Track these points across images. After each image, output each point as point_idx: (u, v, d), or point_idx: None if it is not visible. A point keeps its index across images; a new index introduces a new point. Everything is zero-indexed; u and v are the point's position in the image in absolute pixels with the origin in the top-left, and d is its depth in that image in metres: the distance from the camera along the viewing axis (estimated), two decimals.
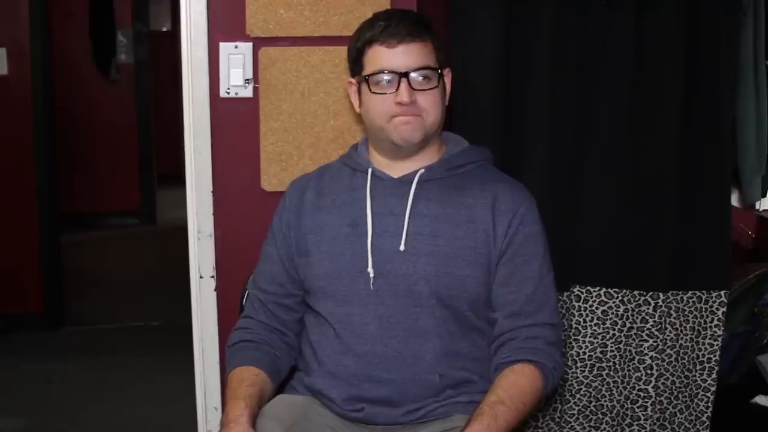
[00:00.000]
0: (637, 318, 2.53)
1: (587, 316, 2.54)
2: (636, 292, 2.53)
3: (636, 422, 2.57)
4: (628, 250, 2.52)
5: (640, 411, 2.56)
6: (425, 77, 2.00)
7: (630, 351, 2.56)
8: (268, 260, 2.15)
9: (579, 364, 2.56)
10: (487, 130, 2.45)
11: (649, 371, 2.55)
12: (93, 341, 5.25)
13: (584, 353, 2.55)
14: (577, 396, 2.58)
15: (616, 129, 2.48)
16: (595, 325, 2.54)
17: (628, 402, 2.57)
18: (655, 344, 2.54)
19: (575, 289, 2.54)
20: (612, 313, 2.54)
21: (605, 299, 2.53)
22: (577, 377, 2.57)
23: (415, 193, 2.03)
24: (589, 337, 2.55)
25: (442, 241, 2.00)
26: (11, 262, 5.43)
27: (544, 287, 2.05)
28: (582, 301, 2.53)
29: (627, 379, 2.56)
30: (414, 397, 2.00)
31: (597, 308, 2.54)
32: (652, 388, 2.56)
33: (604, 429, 2.60)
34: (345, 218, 2.05)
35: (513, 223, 2.03)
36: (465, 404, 2.00)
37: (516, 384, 1.95)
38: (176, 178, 7.74)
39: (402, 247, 2.00)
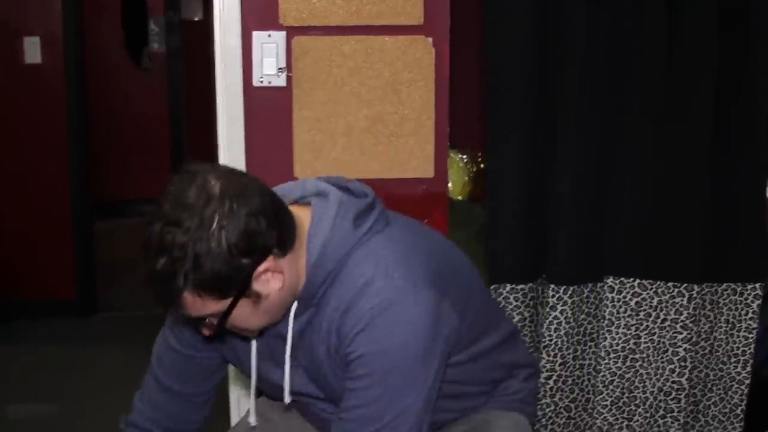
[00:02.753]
0: (671, 310, 2.51)
1: (620, 307, 2.52)
2: (670, 284, 2.51)
3: (669, 414, 2.55)
4: (662, 241, 2.50)
5: (674, 403, 2.55)
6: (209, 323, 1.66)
7: (664, 343, 2.54)
8: None
9: (612, 356, 2.54)
10: (518, 120, 2.42)
11: (682, 363, 2.53)
12: (124, 328, 5.29)
13: (617, 345, 2.53)
14: (610, 387, 2.56)
15: (650, 119, 2.46)
16: (628, 316, 2.53)
17: (662, 394, 2.55)
18: (689, 336, 2.52)
19: (608, 281, 2.52)
20: (646, 305, 2.52)
21: (639, 290, 2.51)
22: (610, 368, 2.55)
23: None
24: (623, 328, 2.53)
25: None
26: (44, 250, 5.47)
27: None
28: (615, 292, 2.52)
29: (660, 371, 2.54)
30: None
31: (630, 300, 2.52)
32: (686, 380, 2.54)
33: (637, 420, 2.58)
34: None
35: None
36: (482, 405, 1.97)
37: None
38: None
39: None
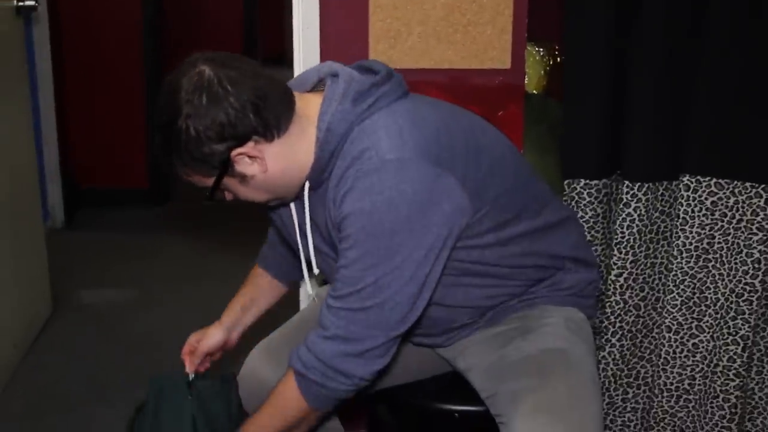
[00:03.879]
0: (747, 210, 2.47)
1: (695, 206, 2.48)
2: (748, 184, 2.46)
3: (740, 316, 2.53)
4: (741, 140, 2.44)
5: (745, 305, 2.52)
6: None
7: (738, 244, 2.50)
8: None
9: (684, 255, 2.52)
10: (598, 12, 2.35)
11: (756, 265, 2.50)
12: (196, 217, 5.38)
13: (690, 244, 2.51)
14: (681, 287, 2.54)
15: (733, 15, 2.38)
16: (703, 215, 2.49)
17: (733, 295, 2.53)
18: (764, 238, 2.48)
19: (684, 179, 2.48)
20: (722, 205, 2.48)
21: (715, 190, 2.47)
22: (682, 268, 2.53)
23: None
24: (697, 227, 2.50)
25: None
26: (118, 140, 5.56)
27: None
28: (691, 190, 2.48)
29: (733, 272, 2.51)
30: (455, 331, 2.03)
31: (706, 199, 2.48)
32: (759, 282, 2.51)
33: (707, 321, 2.57)
34: None
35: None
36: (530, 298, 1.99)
37: (275, 393, 1.86)
38: (280, 62, 7.77)
39: None
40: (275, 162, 1.74)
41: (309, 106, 1.77)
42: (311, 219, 1.86)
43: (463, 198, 1.70)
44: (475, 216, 1.76)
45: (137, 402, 2.26)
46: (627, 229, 2.48)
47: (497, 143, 1.90)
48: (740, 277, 2.51)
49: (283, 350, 1.97)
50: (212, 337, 2.24)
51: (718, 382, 2.59)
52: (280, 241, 2.19)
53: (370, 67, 1.83)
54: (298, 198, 1.87)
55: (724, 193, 2.47)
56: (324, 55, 2.49)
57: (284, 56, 7.14)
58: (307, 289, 2.04)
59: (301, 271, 2.00)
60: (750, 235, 2.48)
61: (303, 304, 2.59)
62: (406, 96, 1.82)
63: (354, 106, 1.73)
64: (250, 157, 1.72)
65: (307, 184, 1.81)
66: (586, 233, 2.46)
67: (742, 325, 2.53)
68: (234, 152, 1.70)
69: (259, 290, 2.30)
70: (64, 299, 4.16)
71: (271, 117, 1.70)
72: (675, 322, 2.58)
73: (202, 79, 1.66)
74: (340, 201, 1.68)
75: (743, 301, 2.52)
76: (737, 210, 2.48)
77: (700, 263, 2.52)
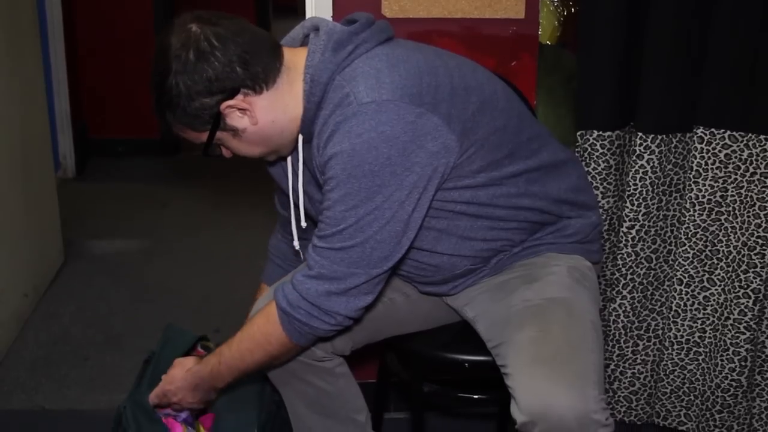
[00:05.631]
0: (761, 163, 2.45)
1: (709, 159, 2.47)
2: (762, 137, 2.43)
3: (752, 269, 2.52)
4: (756, 93, 2.41)
5: (757, 258, 2.51)
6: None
7: (751, 197, 2.49)
8: None
9: (697, 208, 2.50)
10: None
11: None
12: (207, 168, 5.38)
13: (703, 197, 2.49)
14: (693, 240, 2.54)
15: None
16: (716, 168, 2.47)
17: (746, 248, 2.52)
18: None
19: (698, 131, 2.46)
20: (735, 157, 2.46)
21: (729, 142, 2.45)
22: (694, 221, 2.52)
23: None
24: (710, 180, 2.48)
25: None
26: (129, 90, 5.54)
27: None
28: (705, 143, 2.46)
29: (746, 225, 2.50)
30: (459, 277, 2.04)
31: (720, 151, 2.46)
32: None
33: (718, 274, 2.56)
34: None
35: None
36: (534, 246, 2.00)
37: (254, 325, 1.92)
38: (291, 10, 7.72)
39: None
40: (265, 114, 1.79)
41: (296, 60, 1.81)
42: (309, 171, 1.90)
43: (449, 137, 1.73)
44: (464, 155, 1.78)
45: (147, 353, 2.28)
46: (640, 181, 2.47)
47: (488, 83, 1.91)
48: (753, 230, 2.50)
49: None
50: None
51: (729, 335, 2.59)
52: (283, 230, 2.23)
53: (353, 18, 1.87)
54: (295, 152, 1.91)
55: (738, 146, 2.45)
56: (336, 5, 2.46)
57: (296, 5, 7.10)
58: (294, 244, 2.06)
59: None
60: (763, 189, 2.46)
61: None
62: (389, 42, 1.85)
63: (334, 55, 1.77)
64: (240, 110, 1.78)
65: (300, 138, 1.86)
66: (588, 177, 2.44)
67: (754, 278, 2.53)
68: (223, 105, 1.76)
69: None
70: (76, 249, 4.18)
71: (259, 70, 1.75)
72: (686, 275, 2.57)
73: (189, 36, 1.72)
74: (323, 146, 1.73)
75: (755, 254, 2.51)
76: (751, 163, 2.46)
77: (713, 216, 2.51)
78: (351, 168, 1.68)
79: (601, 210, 2.48)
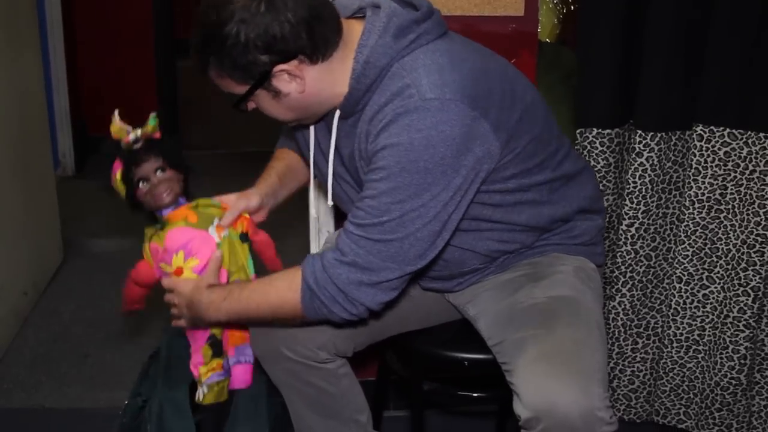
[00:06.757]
0: (760, 161, 2.46)
1: (708, 156, 2.47)
2: (762, 135, 2.44)
3: (751, 267, 2.52)
4: (755, 91, 2.42)
5: (757, 256, 2.51)
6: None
7: (750, 195, 2.49)
8: None
9: (696, 205, 2.51)
10: None
11: None
12: (209, 165, 5.36)
13: (703, 194, 2.49)
14: (692, 237, 2.54)
15: None
16: (715, 166, 2.47)
17: (745, 246, 2.52)
18: None
19: (698, 129, 2.46)
20: (735, 155, 2.46)
21: (728, 140, 2.45)
22: (694, 218, 2.52)
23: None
24: (709, 178, 2.48)
25: None
26: (128, 87, 5.53)
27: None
28: (704, 141, 2.46)
29: (745, 223, 2.50)
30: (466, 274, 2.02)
31: (719, 149, 2.46)
32: None
33: (718, 272, 2.56)
34: None
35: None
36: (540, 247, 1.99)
37: (273, 285, 1.88)
38: None
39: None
40: (313, 85, 1.75)
41: (350, 34, 1.76)
42: (335, 147, 1.87)
43: (494, 144, 1.71)
44: (501, 161, 1.76)
45: (151, 349, 2.27)
46: (639, 179, 2.47)
47: (528, 90, 1.89)
48: (752, 228, 2.50)
49: None
50: (250, 198, 2.17)
51: (728, 333, 2.59)
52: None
53: (412, 1, 1.81)
54: (320, 122, 1.89)
55: (738, 144, 2.45)
56: None
57: None
58: (311, 212, 2.04)
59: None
60: (762, 186, 2.47)
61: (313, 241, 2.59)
62: (446, 35, 1.81)
63: (395, 41, 1.72)
64: (290, 74, 1.72)
65: (337, 113, 1.82)
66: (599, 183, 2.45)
67: (753, 276, 2.53)
68: (277, 67, 1.70)
69: (294, 160, 2.23)
70: (75, 247, 4.17)
71: (321, 40, 1.70)
72: (686, 273, 2.57)
73: None
74: (375, 135, 1.69)
75: (754, 252, 2.51)
76: (750, 161, 2.46)
77: (712, 214, 2.51)
78: (406, 162, 1.65)
79: None
